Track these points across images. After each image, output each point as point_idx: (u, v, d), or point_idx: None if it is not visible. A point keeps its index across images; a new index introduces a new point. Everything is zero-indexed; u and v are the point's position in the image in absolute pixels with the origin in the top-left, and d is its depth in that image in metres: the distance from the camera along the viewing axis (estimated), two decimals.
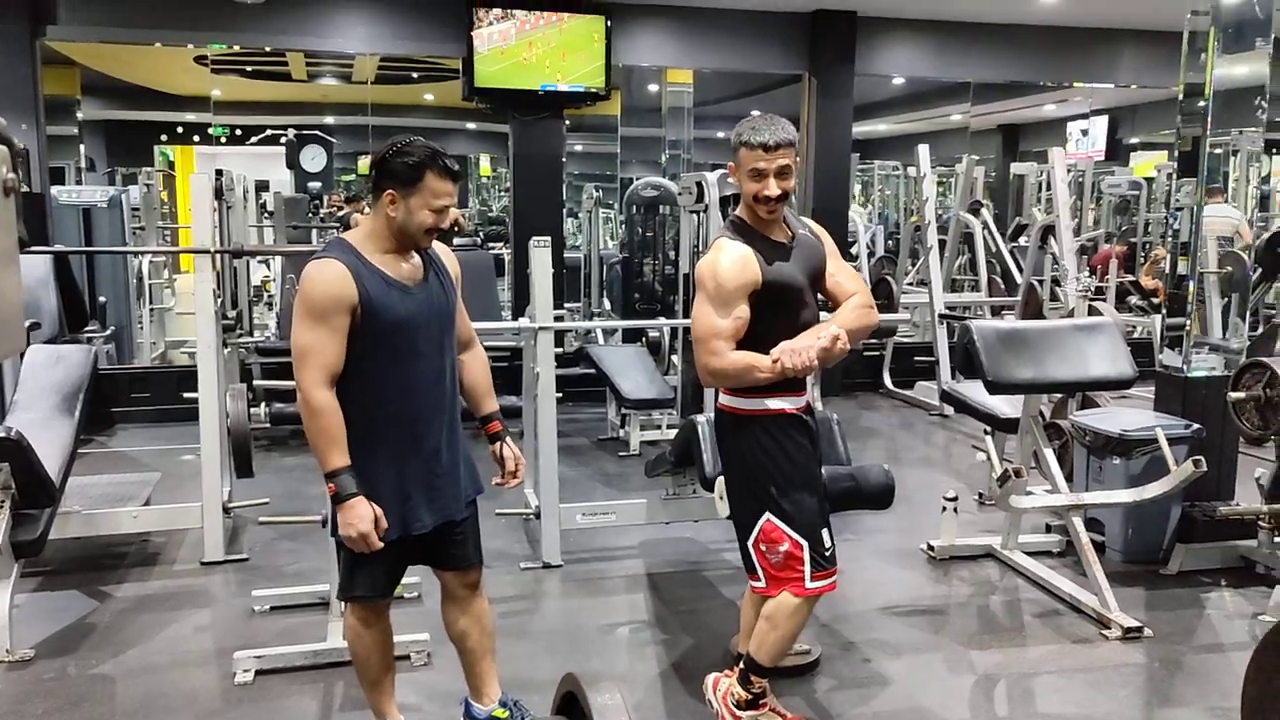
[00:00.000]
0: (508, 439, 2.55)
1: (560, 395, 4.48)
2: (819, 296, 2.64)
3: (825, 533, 2.61)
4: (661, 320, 6.30)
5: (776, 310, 2.48)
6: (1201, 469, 3.57)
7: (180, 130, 10.46)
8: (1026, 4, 7.38)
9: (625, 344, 7.04)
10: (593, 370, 6.17)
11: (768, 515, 2.55)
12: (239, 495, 4.52)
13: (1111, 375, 3.84)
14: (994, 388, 3.84)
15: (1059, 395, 5.08)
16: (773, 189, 2.44)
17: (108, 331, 7.06)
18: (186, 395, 4.70)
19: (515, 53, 6.97)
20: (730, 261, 2.45)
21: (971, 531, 4.51)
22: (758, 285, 2.45)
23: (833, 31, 7.54)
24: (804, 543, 2.55)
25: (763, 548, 2.57)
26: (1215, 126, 4.18)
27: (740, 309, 2.44)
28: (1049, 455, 3.96)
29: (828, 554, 2.60)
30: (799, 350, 2.38)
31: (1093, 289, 5.48)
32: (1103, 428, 4.17)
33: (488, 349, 6.52)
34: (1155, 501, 3.83)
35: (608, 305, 8.26)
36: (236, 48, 8.04)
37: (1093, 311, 5.33)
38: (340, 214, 10.00)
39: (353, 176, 10.94)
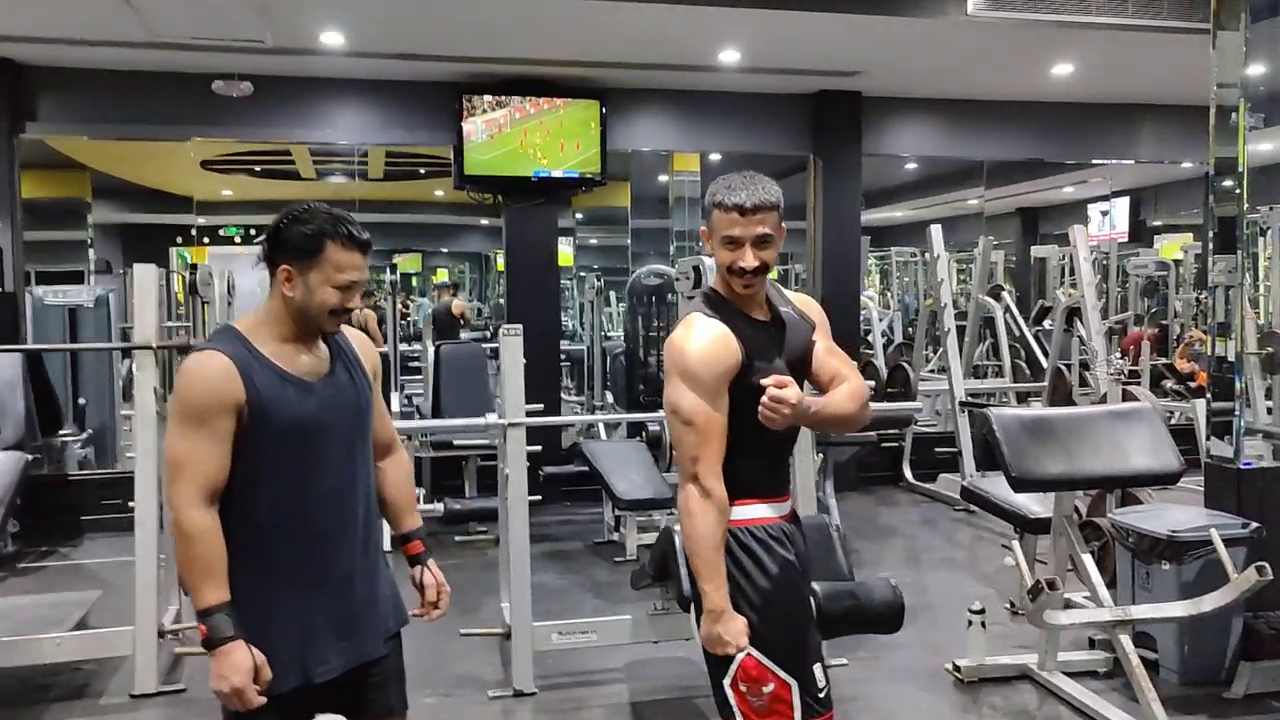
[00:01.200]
0: (430, 563, 2.18)
1: (538, 498, 4.07)
2: (803, 384, 2.22)
3: (818, 669, 2.15)
4: (661, 413, 5.91)
5: (756, 398, 2.03)
6: (1266, 576, 3.05)
7: (194, 232, 10.39)
8: (1038, 81, 7.09)
9: (626, 439, 6.62)
10: (587, 468, 5.73)
11: (747, 650, 2.08)
12: (188, 614, 4.07)
13: (1155, 468, 3.37)
14: (1019, 484, 3.38)
15: (1095, 491, 4.57)
16: (749, 260, 2.03)
17: (85, 434, 6.73)
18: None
19: (508, 140, 6.74)
20: (706, 340, 2.04)
21: (1004, 647, 3.99)
22: (737, 368, 2.04)
23: (837, 112, 7.29)
24: (792, 682, 2.09)
25: (742, 688, 2.08)
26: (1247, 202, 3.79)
27: (722, 403, 2.02)
28: (1088, 562, 3.46)
29: (821, 695, 2.13)
30: (789, 398, 1.96)
31: (1126, 371, 5.00)
32: (1148, 528, 3.65)
33: (468, 448, 6.15)
34: (1212, 614, 3.30)
35: (610, 398, 7.86)
36: (236, 147, 7.94)
37: (1128, 397, 4.84)
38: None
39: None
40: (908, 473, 7.44)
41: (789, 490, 2.22)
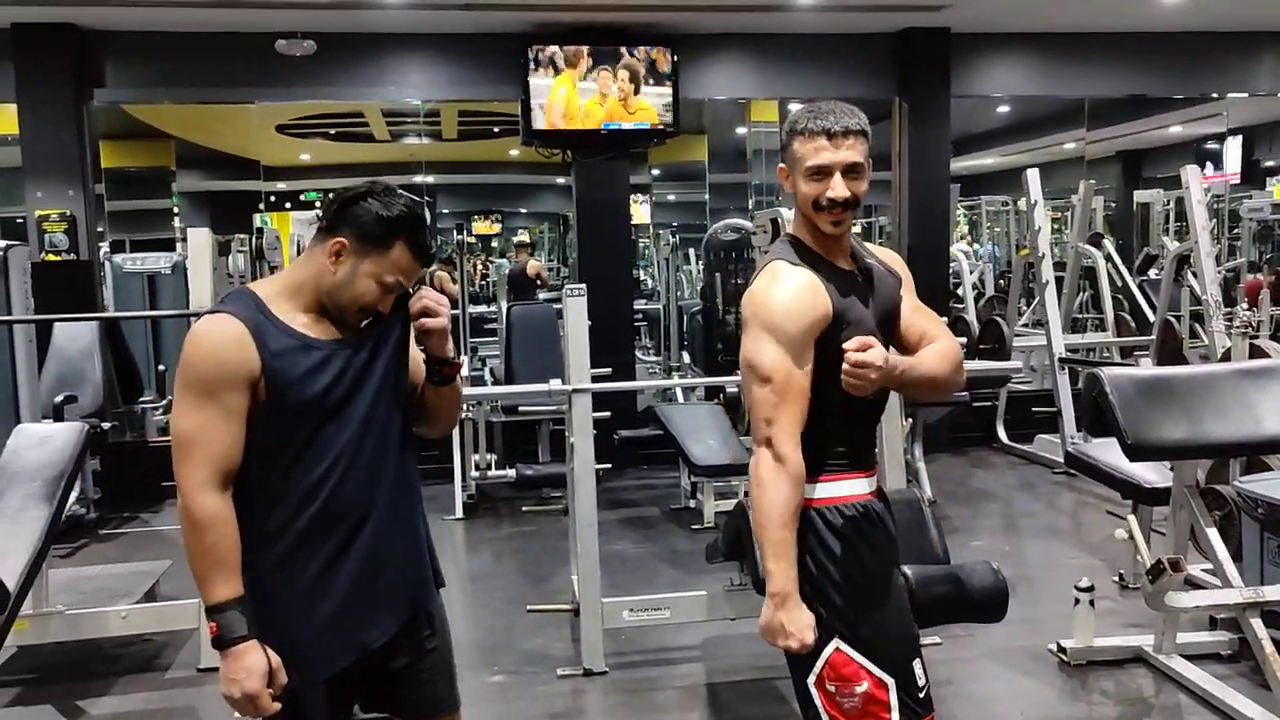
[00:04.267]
0: None
1: (608, 465, 3.88)
2: (890, 346, 1.95)
3: (917, 665, 1.90)
4: (739, 375, 5.67)
5: (841, 360, 1.81)
6: None
7: (273, 199, 10.48)
8: (1145, 8, 6.52)
9: (702, 402, 6.39)
10: (662, 431, 5.52)
11: (836, 644, 1.84)
12: None
13: None
14: (1136, 452, 3.03)
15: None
16: (839, 190, 1.82)
17: (166, 401, 6.76)
18: None
19: (577, 92, 6.47)
20: (794, 289, 1.83)
21: (1114, 626, 3.67)
22: (827, 321, 1.83)
23: (925, 51, 6.84)
24: (889, 680, 1.84)
25: (830, 688, 1.85)
26: None
27: (806, 362, 1.80)
28: (1213, 537, 3.10)
29: (921, 695, 1.88)
30: (875, 360, 1.75)
31: (1254, 323, 4.52)
32: None
33: (539, 413, 5.97)
34: None
35: (687, 358, 7.63)
36: (309, 110, 7.88)
37: (1256, 352, 4.38)
38: (420, 276, 9.75)
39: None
40: (1002, 433, 7.04)
41: (874, 463, 1.96)
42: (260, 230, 5.99)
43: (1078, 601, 3.46)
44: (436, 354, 1.85)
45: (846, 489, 1.88)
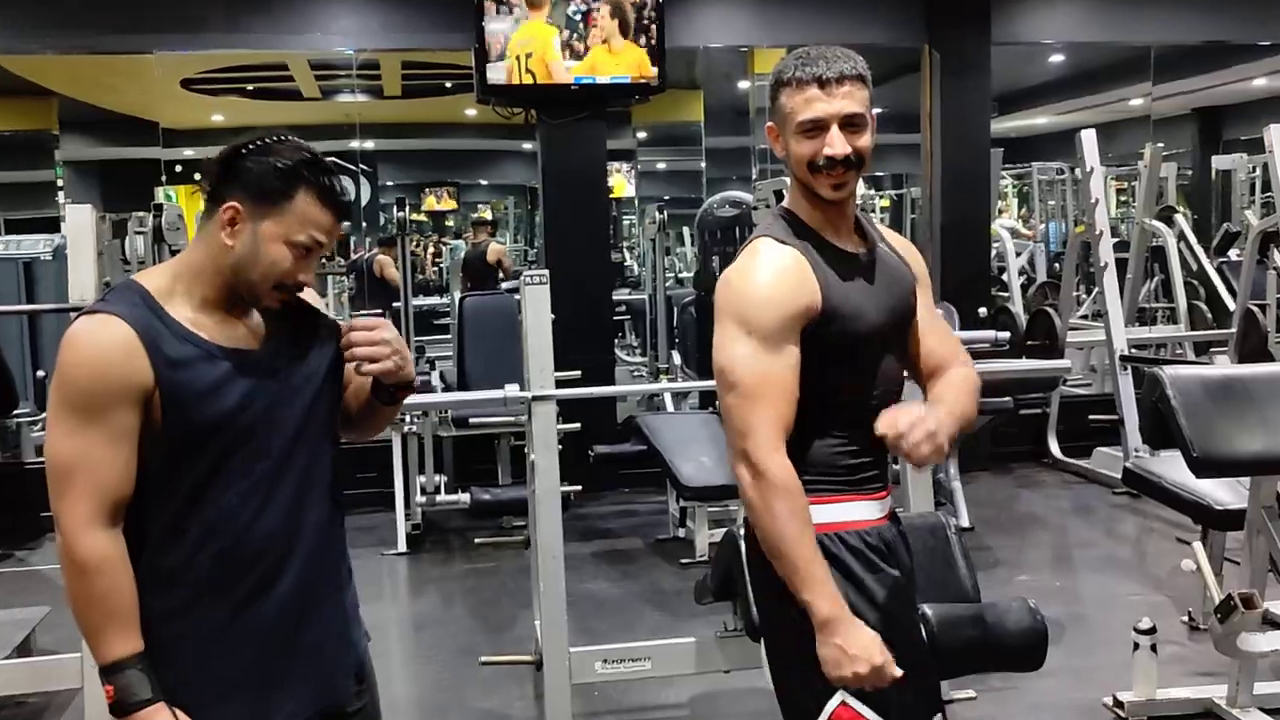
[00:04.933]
0: None
1: (578, 488, 3.90)
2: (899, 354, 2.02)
3: None
4: None
5: (839, 358, 1.89)
6: None
7: (178, 169, 10.44)
8: None
9: (695, 411, 6.43)
10: (645, 447, 5.56)
11: (841, 697, 1.88)
12: None
13: None
14: (1202, 467, 3.11)
15: None
16: (838, 146, 1.84)
17: (44, 415, 6.76)
18: None
19: (541, 39, 6.50)
20: (772, 272, 1.86)
21: (1181, 675, 3.73)
22: (814, 312, 1.86)
23: None
24: None
25: None
26: None
27: (787, 356, 1.84)
28: None
29: None
30: (921, 422, 1.74)
31: None
32: None
33: (497, 426, 6.00)
34: None
35: (678, 359, 7.66)
36: (222, 61, 7.88)
37: None
38: (354, 259, 9.76)
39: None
40: (1054, 446, 7.15)
41: (887, 484, 2.00)
42: (160, 206, 5.98)
43: (1137, 647, 3.51)
44: (391, 382, 1.87)
45: (847, 513, 1.91)
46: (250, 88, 10.35)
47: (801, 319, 1.84)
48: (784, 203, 2.01)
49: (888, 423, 1.76)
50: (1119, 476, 6.18)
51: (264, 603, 1.77)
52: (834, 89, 1.84)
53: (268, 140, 1.73)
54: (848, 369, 1.90)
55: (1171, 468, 3.77)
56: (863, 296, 1.91)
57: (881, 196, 15.57)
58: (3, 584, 5.40)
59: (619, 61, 6.56)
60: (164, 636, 1.71)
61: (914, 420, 1.74)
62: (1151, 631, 3.51)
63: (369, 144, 10.54)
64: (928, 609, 2.47)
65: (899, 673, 1.80)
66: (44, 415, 5.21)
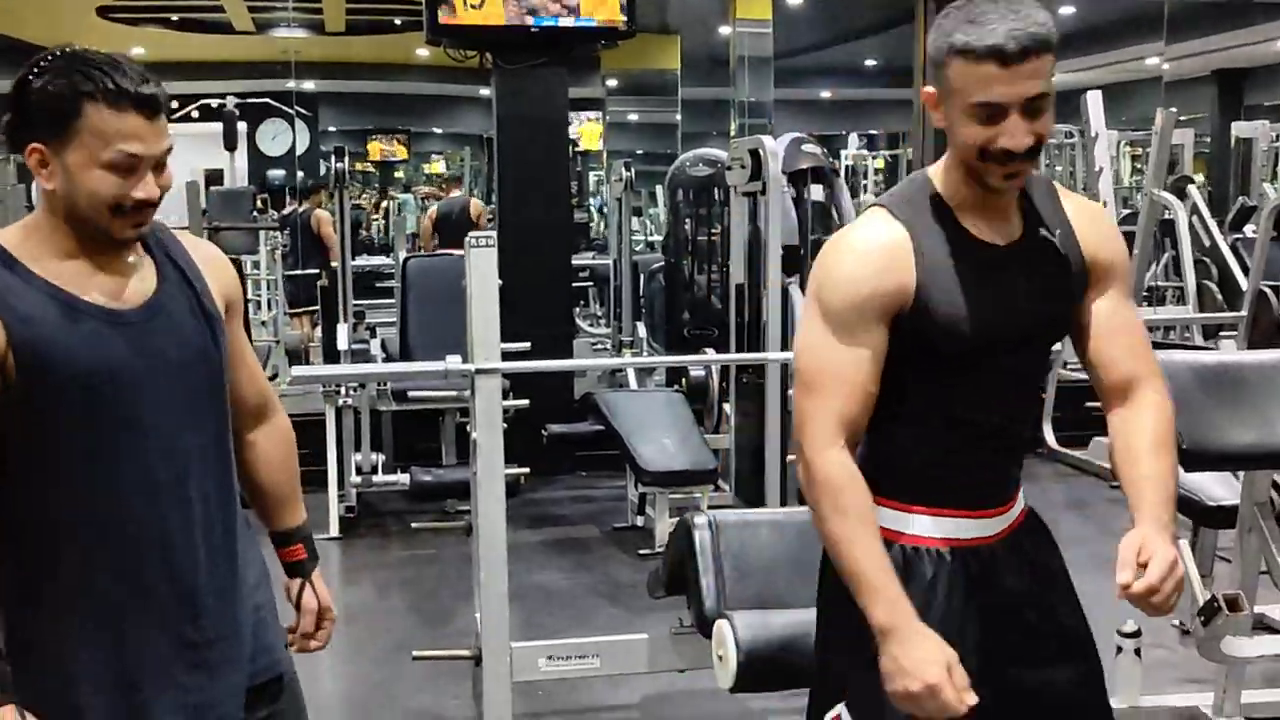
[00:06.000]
0: (314, 576, 2.06)
1: (526, 470, 3.97)
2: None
3: None
4: (709, 354, 5.91)
5: (935, 359, 1.84)
6: None
7: None
8: None
9: (660, 388, 6.55)
10: (603, 427, 5.68)
11: (838, 710, 1.90)
12: None
13: None
14: (1193, 460, 3.18)
15: None
16: (1019, 138, 1.73)
17: None
18: None
19: None
20: (863, 250, 1.82)
21: (1168, 682, 3.88)
22: (904, 301, 1.81)
23: None
24: None
25: None
26: None
27: (861, 346, 1.80)
28: None
29: None
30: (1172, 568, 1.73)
31: None
32: None
33: (440, 400, 6.08)
34: None
35: (643, 331, 7.78)
36: None
37: None
38: (287, 214, 9.75)
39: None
40: (1049, 435, 7.29)
41: (1011, 498, 1.95)
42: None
43: (1120, 650, 3.62)
44: None
45: (934, 528, 1.87)
46: (175, 18, 10.29)
47: (886, 306, 1.80)
48: (934, 166, 1.91)
49: (1134, 574, 1.71)
50: None
51: (149, 599, 1.79)
52: (1017, 67, 1.69)
53: (40, 62, 1.71)
54: (948, 372, 1.86)
55: None
56: (984, 295, 1.83)
57: (876, 157, 15.76)
58: None
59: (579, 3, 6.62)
60: (37, 633, 1.74)
61: (1165, 569, 1.70)
62: (1136, 635, 3.62)
63: (308, 85, 10.49)
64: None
65: (969, 702, 1.70)
66: None
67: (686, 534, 2.99)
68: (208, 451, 1.85)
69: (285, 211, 9.64)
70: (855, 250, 1.82)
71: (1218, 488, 3.84)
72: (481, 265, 3.67)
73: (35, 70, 1.69)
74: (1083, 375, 7.08)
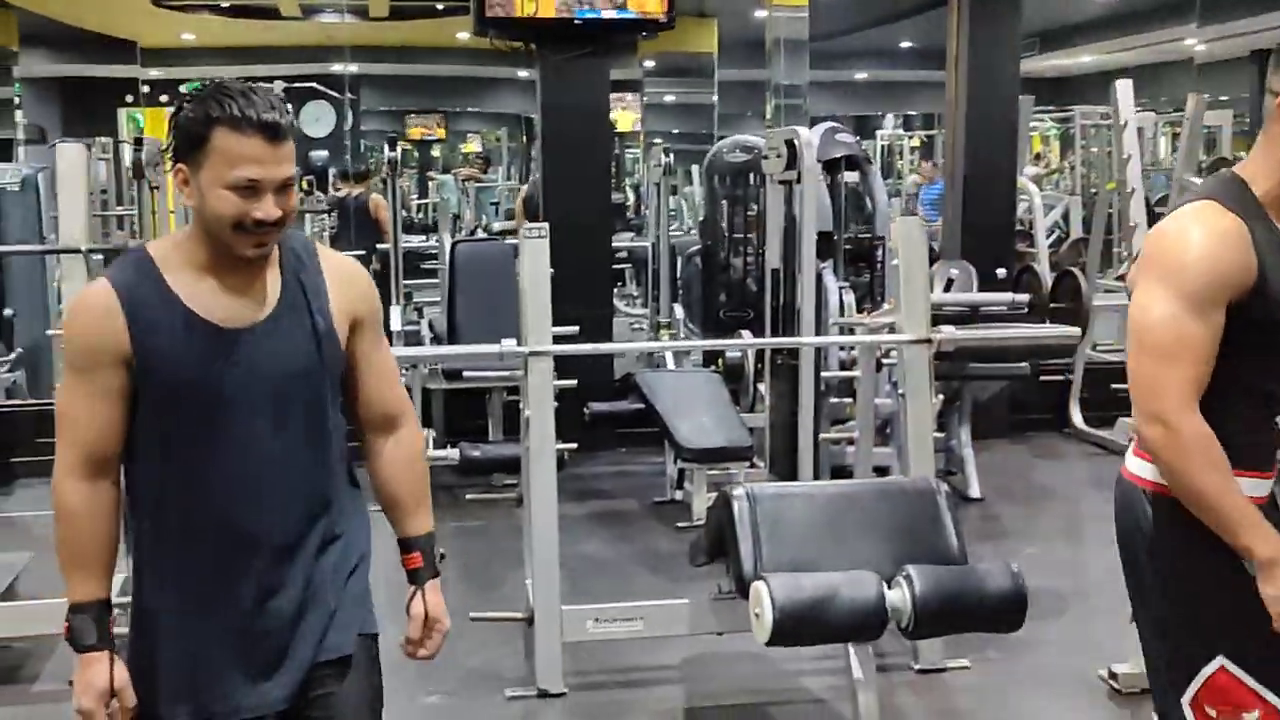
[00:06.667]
0: (429, 585, 2.15)
1: (573, 446, 4.23)
2: None
3: None
4: (744, 337, 6.07)
5: (1259, 340, 2.05)
6: None
7: (148, 89, 10.64)
8: None
9: (696, 368, 6.77)
10: (644, 405, 5.89)
11: (1221, 661, 2.09)
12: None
13: None
14: None
15: None
16: None
17: (14, 355, 7.10)
18: None
19: None
20: (1211, 235, 2.01)
21: None
22: (1246, 287, 2.01)
23: None
24: None
25: (1210, 712, 2.12)
26: None
27: (1210, 322, 2.00)
28: None
29: None
30: None
31: None
32: None
33: (489, 379, 6.31)
34: None
35: (680, 313, 7.98)
36: None
37: None
38: (341, 197, 9.96)
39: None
40: (1076, 416, 7.44)
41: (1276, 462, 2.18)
42: (139, 141, 6.24)
43: (1133, 619, 3.85)
44: None
45: (1247, 488, 2.04)
46: (225, 4, 10.53)
47: (1231, 290, 1.99)
48: (1240, 166, 2.12)
49: None
50: None
51: (227, 591, 1.97)
52: None
53: (192, 93, 1.88)
54: (1267, 353, 2.06)
55: None
56: None
57: (912, 137, 15.84)
58: None
59: None
60: (140, 600, 1.98)
61: None
62: None
63: (352, 67, 10.69)
64: (911, 569, 2.83)
65: None
66: (13, 356, 5.60)
67: (726, 505, 3.22)
68: (295, 457, 1.99)
69: (340, 194, 9.86)
70: (1209, 236, 2.00)
71: None
72: (535, 254, 3.93)
73: (186, 100, 1.88)
74: (1113, 358, 7.27)
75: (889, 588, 2.87)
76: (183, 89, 9.71)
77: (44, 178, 7.70)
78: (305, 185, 10.32)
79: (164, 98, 10.38)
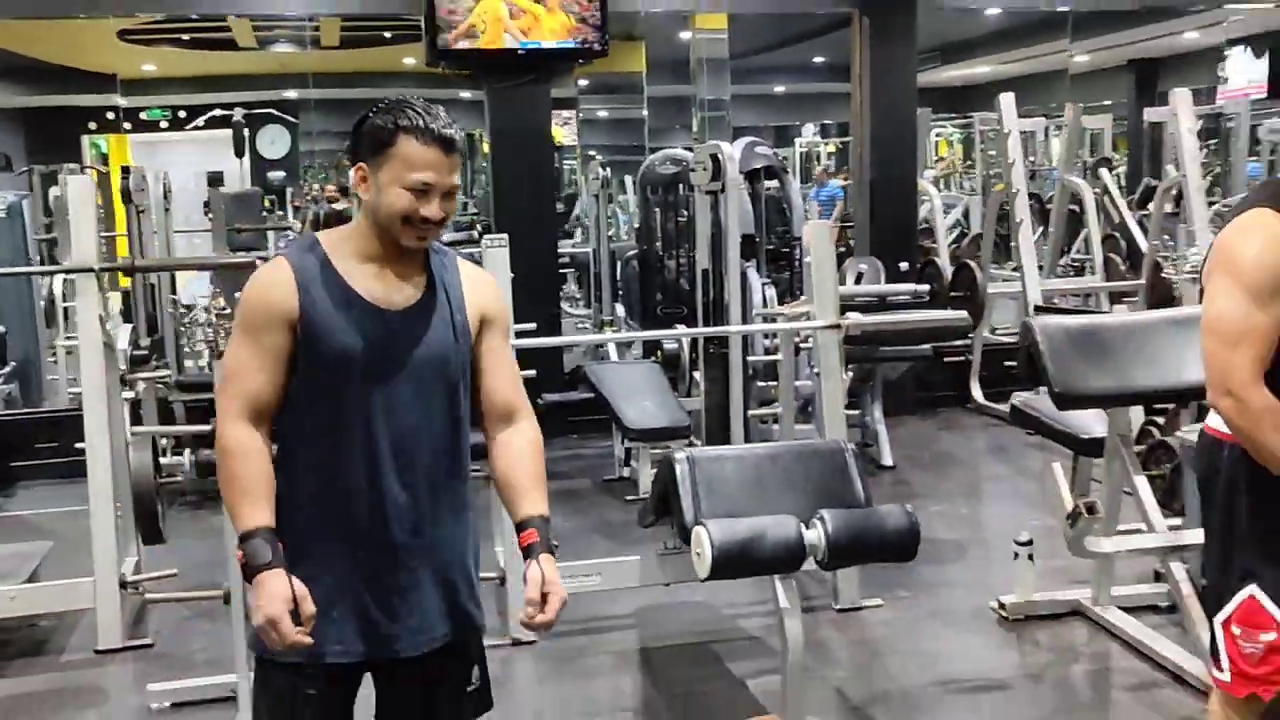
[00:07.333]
0: (542, 556, 2.12)
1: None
2: None
3: None
4: (680, 329, 6.37)
5: None
6: None
7: (111, 116, 10.74)
8: None
9: (639, 360, 7.10)
10: (593, 394, 6.23)
11: (1252, 589, 2.36)
12: (151, 565, 4.66)
13: None
14: (1063, 401, 3.84)
15: (1170, 407, 5.04)
16: None
17: (7, 369, 7.30)
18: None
19: (489, 5, 7.05)
20: (1270, 239, 2.27)
21: (1058, 583, 4.49)
22: None
23: None
24: None
25: (1235, 631, 2.39)
26: None
27: (1271, 312, 2.26)
28: (1141, 485, 3.94)
29: None
30: None
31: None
32: None
33: None
34: None
35: (621, 311, 8.32)
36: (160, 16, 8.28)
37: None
38: (326, 208, 10.07)
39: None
40: (976, 391, 7.84)
41: None
42: (126, 169, 6.51)
43: (1016, 555, 4.30)
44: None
45: None
46: (185, 38, 10.69)
47: None
48: None
49: None
50: None
51: (358, 537, 2.09)
52: None
53: (379, 104, 2.06)
54: None
55: (1049, 404, 4.54)
56: None
57: (828, 143, 16.23)
58: None
59: (556, 26, 7.13)
60: (291, 543, 2.04)
61: None
62: (1029, 544, 4.29)
63: (305, 93, 10.85)
64: (824, 513, 3.22)
65: None
66: (6, 369, 5.84)
67: (670, 467, 3.54)
68: (428, 430, 2.12)
69: (339, 208, 9.98)
70: (1265, 238, 2.26)
71: (1098, 426, 4.46)
72: (497, 261, 4.29)
73: (372, 111, 2.07)
74: (1008, 340, 7.73)
75: (806, 528, 3.21)
76: (143, 116, 9.96)
77: (28, 204, 7.92)
78: (267, 204, 10.52)
79: (127, 125, 10.51)
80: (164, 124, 10.38)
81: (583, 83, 10.59)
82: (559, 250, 8.48)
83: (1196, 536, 3.87)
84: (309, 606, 1.98)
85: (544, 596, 2.08)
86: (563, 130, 12.43)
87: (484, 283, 2.24)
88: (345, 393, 2.07)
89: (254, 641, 2.08)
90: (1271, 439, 2.25)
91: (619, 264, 8.65)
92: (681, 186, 7.67)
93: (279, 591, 1.96)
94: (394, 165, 2.03)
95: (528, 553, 2.13)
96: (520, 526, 2.16)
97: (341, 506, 2.09)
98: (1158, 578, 4.46)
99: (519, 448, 2.21)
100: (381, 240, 2.09)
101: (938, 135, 14.14)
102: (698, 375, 6.26)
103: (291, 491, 2.08)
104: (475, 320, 2.17)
